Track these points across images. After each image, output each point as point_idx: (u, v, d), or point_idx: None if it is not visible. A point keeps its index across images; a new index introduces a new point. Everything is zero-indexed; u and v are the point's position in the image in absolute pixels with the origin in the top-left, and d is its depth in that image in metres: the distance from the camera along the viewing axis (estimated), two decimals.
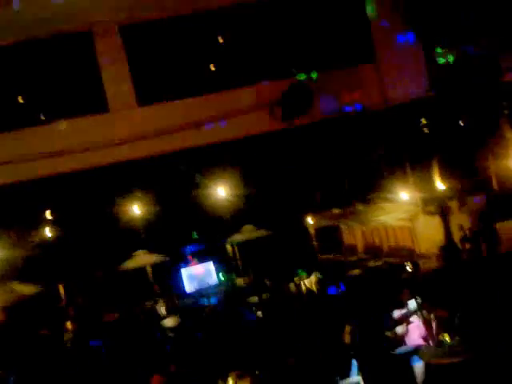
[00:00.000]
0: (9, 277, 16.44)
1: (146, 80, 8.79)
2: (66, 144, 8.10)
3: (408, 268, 15.67)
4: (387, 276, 14.33)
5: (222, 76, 9.08)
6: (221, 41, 9.17)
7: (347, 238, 22.26)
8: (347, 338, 8.75)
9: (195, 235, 22.91)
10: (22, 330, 15.36)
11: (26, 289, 16.37)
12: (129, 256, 19.42)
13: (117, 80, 8.43)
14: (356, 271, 16.02)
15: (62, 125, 8.32)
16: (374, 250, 19.22)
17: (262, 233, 21.16)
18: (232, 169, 17.21)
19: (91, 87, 8.75)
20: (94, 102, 8.65)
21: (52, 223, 17.03)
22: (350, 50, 8.31)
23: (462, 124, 11.98)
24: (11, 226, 14.95)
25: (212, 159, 12.65)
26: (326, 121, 8.17)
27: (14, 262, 16.92)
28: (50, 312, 17.08)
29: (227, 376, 7.87)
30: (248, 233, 21.57)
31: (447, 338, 7.48)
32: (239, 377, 7.94)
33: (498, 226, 15.19)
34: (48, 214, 16.13)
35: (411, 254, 16.64)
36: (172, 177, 15.24)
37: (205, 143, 8.21)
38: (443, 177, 15.69)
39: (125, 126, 8.27)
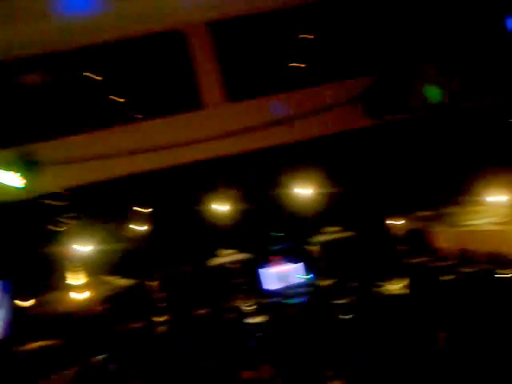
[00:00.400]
0: (104, 271, 17.45)
1: (236, 77, 8.94)
2: (159, 141, 8.43)
3: (505, 275, 14.83)
4: (484, 283, 13.60)
5: (309, 72, 9.06)
6: (309, 36, 9.15)
7: (437, 242, 21.39)
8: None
9: (279, 235, 23.05)
10: (117, 321, 16.24)
11: (121, 282, 17.29)
12: (215, 254, 19.94)
13: (209, 77, 8.66)
14: (449, 277, 15.34)
15: (158, 122, 8.68)
16: (466, 256, 18.31)
17: (346, 234, 20.95)
18: (317, 168, 17.15)
19: (184, 85, 9.03)
20: (187, 100, 8.91)
21: (145, 219, 17.81)
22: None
23: None
24: (107, 221, 15.81)
25: (298, 157, 12.68)
26: (416, 118, 7.91)
27: (109, 256, 17.95)
28: (142, 305, 17.89)
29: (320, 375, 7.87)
30: (331, 234, 21.43)
31: None
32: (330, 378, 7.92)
33: None
34: (141, 210, 16.88)
35: (509, 261, 15.68)
36: (258, 175, 15.44)
37: (292, 140, 8.22)
38: None
39: (216, 122, 8.48)
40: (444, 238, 20.79)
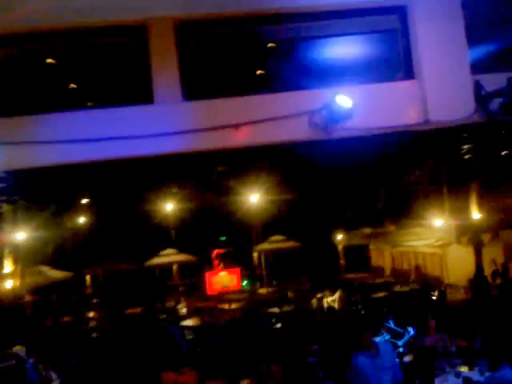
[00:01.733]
0: (40, 261, 16.94)
1: (194, 76, 8.88)
2: (106, 131, 8.25)
3: (434, 297, 15.39)
4: (412, 302, 14.04)
5: (267, 81, 9.12)
6: (273, 45, 9.23)
7: (376, 259, 21.98)
8: None
9: (224, 239, 23.08)
10: (47, 314, 15.78)
11: (55, 274, 16.82)
12: (157, 253, 19.75)
13: (165, 73, 8.57)
14: (381, 294, 15.77)
15: (106, 112, 8.51)
16: (401, 275, 18.90)
17: (290, 244, 21.16)
18: (267, 177, 17.29)
19: (139, 78, 8.91)
20: (139, 93, 8.78)
21: (86, 211, 17.42)
22: (390, 64, 8.19)
23: (504, 155, 11.69)
24: (45, 208, 15.33)
25: (248, 164, 12.72)
26: (365, 137, 8.09)
27: (46, 246, 17.44)
28: (74, 299, 17.49)
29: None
30: (276, 243, 21.60)
31: (465, 370, 7.37)
32: None
33: None
34: (82, 201, 16.46)
35: (439, 283, 16.28)
36: (207, 178, 15.36)
37: (243, 146, 8.22)
38: (480, 207, 15.33)
39: (167, 119, 8.38)
40: (382, 255, 21.41)
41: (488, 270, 15.06)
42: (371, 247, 21.71)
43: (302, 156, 10.41)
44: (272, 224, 21.58)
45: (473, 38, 7.30)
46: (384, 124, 7.48)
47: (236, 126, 7.63)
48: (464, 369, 7.48)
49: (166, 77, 8.47)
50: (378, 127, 7.34)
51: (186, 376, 8.47)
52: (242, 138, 7.81)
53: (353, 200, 20.44)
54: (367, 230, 21.32)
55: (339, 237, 22.48)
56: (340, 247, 22.63)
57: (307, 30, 8.74)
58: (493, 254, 15.31)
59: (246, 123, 7.18)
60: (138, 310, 16.54)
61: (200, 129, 7.56)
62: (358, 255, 22.01)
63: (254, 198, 21.15)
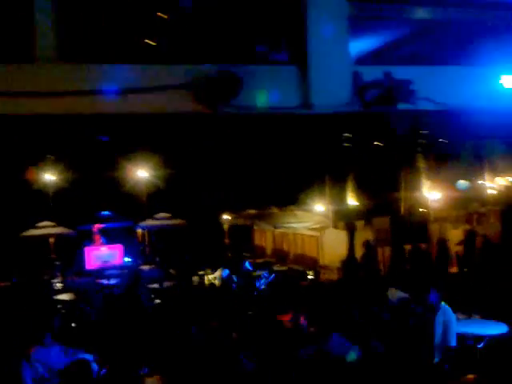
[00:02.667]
0: None
1: (75, 37, 8.47)
2: None
3: (309, 276, 16.28)
4: (289, 281, 14.72)
5: (157, 50, 8.94)
6: (164, 16, 9.04)
7: (258, 240, 22.66)
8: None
9: (106, 214, 22.38)
10: None
11: None
12: (33, 224, 18.67)
13: (45, 32, 8.10)
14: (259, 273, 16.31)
15: None
16: (281, 255, 19.69)
17: (176, 222, 21.12)
18: (154, 151, 16.99)
19: (19, 36, 8.34)
20: (19, 52, 8.23)
21: None
22: (275, 46, 8.41)
23: (380, 146, 12.58)
24: None
25: (135, 136, 12.42)
26: (252, 116, 8.25)
27: None
28: None
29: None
30: (162, 220, 21.43)
31: None
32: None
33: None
34: None
35: (314, 264, 17.21)
36: (89, 147, 14.73)
37: (127, 112, 8.02)
38: (356, 194, 16.39)
39: (45, 79, 7.95)
40: (265, 236, 22.13)
41: (359, 253, 16.19)
42: (255, 227, 22.32)
43: (189, 131, 10.40)
44: (158, 200, 21.34)
45: (356, 32, 7.72)
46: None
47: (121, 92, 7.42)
48: None
49: (46, 36, 8.05)
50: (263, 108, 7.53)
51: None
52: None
53: (239, 181, 20.81)
54: (252, 211, 21.89)
55: (225, 217, 22.83)
56: (225, 227, 23.00)
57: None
58: (364, 239, 16.47)
59: (128, 90, 7.01)
60: (9, 283, 15.62)
61: (79, 91, 7.26)
62: (243, 235, 22.53)
63: (140, 172, 20.77)
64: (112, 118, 7.96)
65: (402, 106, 6.74)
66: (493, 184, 20.73)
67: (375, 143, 12.28)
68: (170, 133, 11.69)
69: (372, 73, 7.60)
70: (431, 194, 18.15)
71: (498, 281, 11.29)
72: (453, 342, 6.69)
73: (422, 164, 16.82)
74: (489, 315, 8.09)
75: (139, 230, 22.50)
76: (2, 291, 14.82)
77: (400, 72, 6.83)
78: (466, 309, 8.40)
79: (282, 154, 16.61)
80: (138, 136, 11.87)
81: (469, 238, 15.66)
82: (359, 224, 17.31)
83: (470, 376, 5.09)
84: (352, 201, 16.59)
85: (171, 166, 18.02)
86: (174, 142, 13.76)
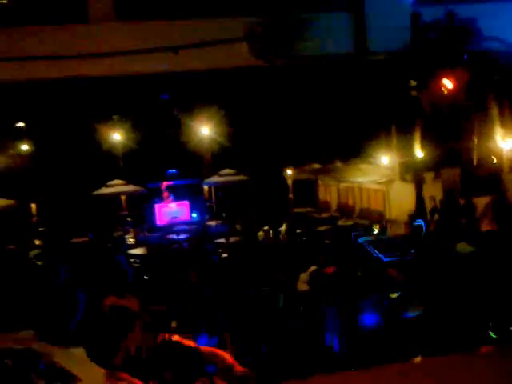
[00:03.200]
0: None
1: None
2: (41, 50, 7.83)
3: (375, 230, 16.03)
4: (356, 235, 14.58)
5: (208, 4, 8.76)
6: None
7: (323, 195, 22.49)
8: (301, 286, 8.96)
9: (174, 171, 22.95)
10: None
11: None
12: (105, 183, 19.49)
13: None
14: (325, 227, 16.27)
15: (41, 30, 8.06)
16: (346, 209, 19.49)
17: (240, 178, 21.33)
18: (215, 108, 17.04)
19: None
20: (74, 12, 8.31)
21: (28, 136, 16.75)
22: None
23: (446, 92, 11.84)
24: None
25: (193, 94, 12.48)
26: (311, 67, 7.99)
27: None
28: (19, 228, 17.20)
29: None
30: (226, 176, 21.71)
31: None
32: None
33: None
34: (23, 126, 15.79)
35: (381, 218, 16.92)
36: (153, 106, 14.98)
37: (184, 69, 7.99)
38: (423, 145, 15.76)
39: (103, 39, 8.02)
40: (329, 191, 21.92)
41: (428, 207, 15.71)
42: (319, 182, 22.15)
43: (247, 85, 10.29)
44: (222, 157, 21.56)
45: None
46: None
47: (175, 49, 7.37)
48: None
49: None
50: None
51: (128, 300, 8.61)
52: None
53: (303, 135, 20.56)
54: (316, 166, 21.67)
55: (289, 172, 22.78)
56: (289, 182, 22.98)
57: None
58: (433, 192, 15.93)
59: (186, 47, 6.96)
60: (85, 238, 16.49)
61: (138, 50, 7.29)
62: (307, 190, 22.44)
63: (204, 130, 20.99)
64: (169, 77, 7.98)
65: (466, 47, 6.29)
66: None
67: (443, 88, 11.57)
68: (228, 88, 11.65)
69: (433, 13, 7.12)
70: (506, 142, 17.10)
71: None
72: None
73: (495, 110, 15.80)
74: None
75: (205, 187, 22.96)
76: (80, 247, 15.72)
77: (464, 10, 6.33)
78: None
79: (344, 105, 16.16)
80: (197, 93, 11.91)
81: None
82: (428, 176, 16.72)
83: None
84: (419, 152, 15.98)
85: (233, 122, 18.05)
86: (233, 98, 13.72)
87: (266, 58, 6.77)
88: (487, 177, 16.82)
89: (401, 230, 15.74)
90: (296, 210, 21.07)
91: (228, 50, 7.60)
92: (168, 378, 5.12)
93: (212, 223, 19.78)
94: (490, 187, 16.09)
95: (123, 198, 19.83)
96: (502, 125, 16.33)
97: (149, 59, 7.85)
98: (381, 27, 6.97)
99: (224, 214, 20.81)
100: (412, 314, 6.52)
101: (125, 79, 8.85)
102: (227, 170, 21.46)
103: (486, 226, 12.86)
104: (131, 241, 16.60)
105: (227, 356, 5.92)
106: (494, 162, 17.52)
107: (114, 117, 16.52)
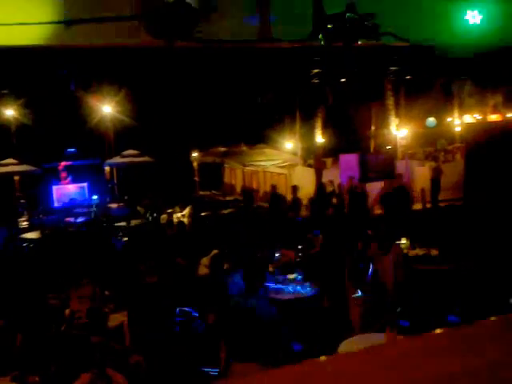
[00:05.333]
0: None
1: None
2: None
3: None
4: (256, 218, 14.83)
5: None
6: None
7: (228, 178, 22.61)
8: (202, 270, 8.96)
9: (73, 151, 21.91)
10: None
11: None
12: None
13: None
14: (228, 210, 16.38)
15: None
16: (248, 192, 19.71)
17: (144, 159, 20.86)
18: (121, 88, 16.43)
19: None
20: None
21: None
22: None
23: (348, 82, 12.36)
24: None
25: (96, 72, 11.94)
26: (213, 50, 7.89)
27: None
28: None
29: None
30: (130, 157, 21.12)
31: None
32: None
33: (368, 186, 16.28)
34: None
35: (284, 201, 17.29)
36: (51, 81, 14.12)
37: (76, 44, 7.57)
38: (324, 132, 16.31)
39: None
40: (235, 174, 22.07)
41: (327, 191, 16.30)
42: (225, 166, 22.22)
43: (147, 65, 9.99)
44: (126, 137, 20.90)
45: None
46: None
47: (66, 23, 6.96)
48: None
49: None
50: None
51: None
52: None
53: (209, 118, 20.46)
54: (222, 149, 21.68)
55: (194, 154, 22.61)
56: (195, 164, 22.82)
57: None
58: (333, 177, 16.56)
59: (77, 21, 6.57)
60: None
61: (51, 22, 6.79)
62: (212, 173, 22.42)
63: (106, 108, 20.17)
64: (65, 51, 7.54)
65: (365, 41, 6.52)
66: (460, 121, 20.88)
67: (343, 79, 12.05)
68: (131, 67, 11.26)
69: (338, 5, 7.30)
70: (399, 130, 18.21)
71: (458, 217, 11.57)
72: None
73: (390, 101, 16.73)
74: (446, 250, 8.32)
75: (107, 168, 22.15)
76: None
77: (364, 5, 6.55)
78: (425, 244, 8.61)
79: (250, 89, 16.27)
80: (98, 70, 11.40)
81: (434, 174, 15.91)
82: (328, 161, 17.35)
83: None
84: (320, 138, 16.53)
85: (139, 102, 17.51)
86: (137, 77, 13.29)
87: (163, 38, 6.57)
88: (382, 163, 17.80)
89: (302, 213, 16.23)
90: (201, 192, 21.01)
91: (126, 28, 7.31)
92: (57, 369, 4.93)
93: (113, 206, 19.17)
94: (385, 173, 17.06)
95: (16, 178, 18.61)
96: (397, 114, 17.35)
97: (38, 32, 7.35)
98: (285, 15, 7.02)
99: (126, 197, 20.24)
100: (309, 293, 6.81)
101: (15, 51, 8.24)
102: (130, 151, 20.87)
103: (378, 210, 13.60)
104: (24, 224, 15.66)
105: (118, 347, 5.78)
106: (389, 148, 18.58)
107: (4, 91, 15.36)
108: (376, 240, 6.94)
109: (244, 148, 20.19)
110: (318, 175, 16.44)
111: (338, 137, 17.20)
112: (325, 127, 16.62)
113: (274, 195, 15.45)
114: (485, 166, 9.95)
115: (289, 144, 19.09)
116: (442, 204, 15.37)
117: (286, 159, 18.37)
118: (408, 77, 13.93)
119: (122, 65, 11.14)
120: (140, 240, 13.30)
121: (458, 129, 20.35)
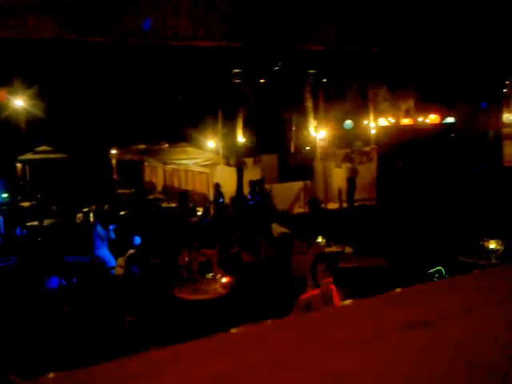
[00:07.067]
0: None
1: None
2: None
3: (199, 213, 16.30)
4: (178, 218, 14.62)
5: None
6: None
7: (148, 176, 22.18)
8: (117, 271, 8.74)
9: None
10: None
11: None
12: None
13: None
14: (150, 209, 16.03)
15: None
16: (171, 191, 19.46)
17: (58, 156, 20.10)
18: (33, 82, 15.68)
19: None
20: None
21: None
22: None
23: (267, 83, 12.54)
24: None
25: (5, 64, 11.29)
26: (139, 46, 7.71)
27: None
28: None
29: None
30: (43, 154, 20.28)
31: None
32: None
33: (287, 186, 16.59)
34: None
35: (205, 200, 17.23)
36: None
37: None
38: (245, 132, 16.44)
39: None
40: (155, 172, 21.67)
41: (247, 190, 16.44)
42: (145, 164, 21.78)
43: (58, 58, 9.58)
44: (39, 133, 19.95)
45: None
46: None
47: None
48: None
49: None
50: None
51: None
52: None
53: (128, 115, 19.98)
54: (142, 147, 21.25)
55: (113, 151, 21.95)
56: (114, 162, 22.17)
57: None
58: (253, 176, 16.72)
59: None
60: None
61: None
62: (132, 171, 21.89)
63: (18, 102, 19.09)
64: None
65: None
66: (375, 124, 21.80)
67: (262, 80, 12.20)
68: (44, 61, 10.75)
69: None
70: (317, 133, 18.70)
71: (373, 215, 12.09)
72: None
73: (309, 103, 17.14)
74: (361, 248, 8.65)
75: (18, 164, 21.09)
76: None
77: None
78: (340, 242, 8.90)
79: (172, 87, 16.07)
80: (7, 62, 10.78)
81: (350, 175, 16.49)
82: (248, 161, 17.48)
83: None
84: (242, 138, 16.63)
85: (53, 97, 16.72)
86: (51, 72, 12.72)
87: (77, 33, 6.33)
88: (301, 163, 18.24)
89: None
90: (120, 191, 20.42)
91: (29, 19, 6.97)
92: None
93: (25, 204, 18.20)
94: (304, 173, 17.49)
95: None
96: (315, 117, 17.82)
97: None
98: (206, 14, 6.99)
99: (39, 195, 19.28)
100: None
101: None
102: (44, 147, 19.99)
103: (297, 209, 13.91)
104: None
105: None
106: (308, 149, 19.06)
107: None
108: (297, 237, 7.11)
109: (165, 146, 19.89)
110: (239, 175, 16.55)
111: (259, 137, 17.37)
112: (246, 127, 16.74)
113: (219, 192, 15.44)
114: (396, 166, 10.46)
115: (211, 143, 19.04)
116: (357, 203, 15.98)
117: (207, 158, 18.31)
118: (325, 80, 14.37)
119: (34, 58, 10.62)
120: (54, 239, 12.76)
121: (373, 131, 21.21)
